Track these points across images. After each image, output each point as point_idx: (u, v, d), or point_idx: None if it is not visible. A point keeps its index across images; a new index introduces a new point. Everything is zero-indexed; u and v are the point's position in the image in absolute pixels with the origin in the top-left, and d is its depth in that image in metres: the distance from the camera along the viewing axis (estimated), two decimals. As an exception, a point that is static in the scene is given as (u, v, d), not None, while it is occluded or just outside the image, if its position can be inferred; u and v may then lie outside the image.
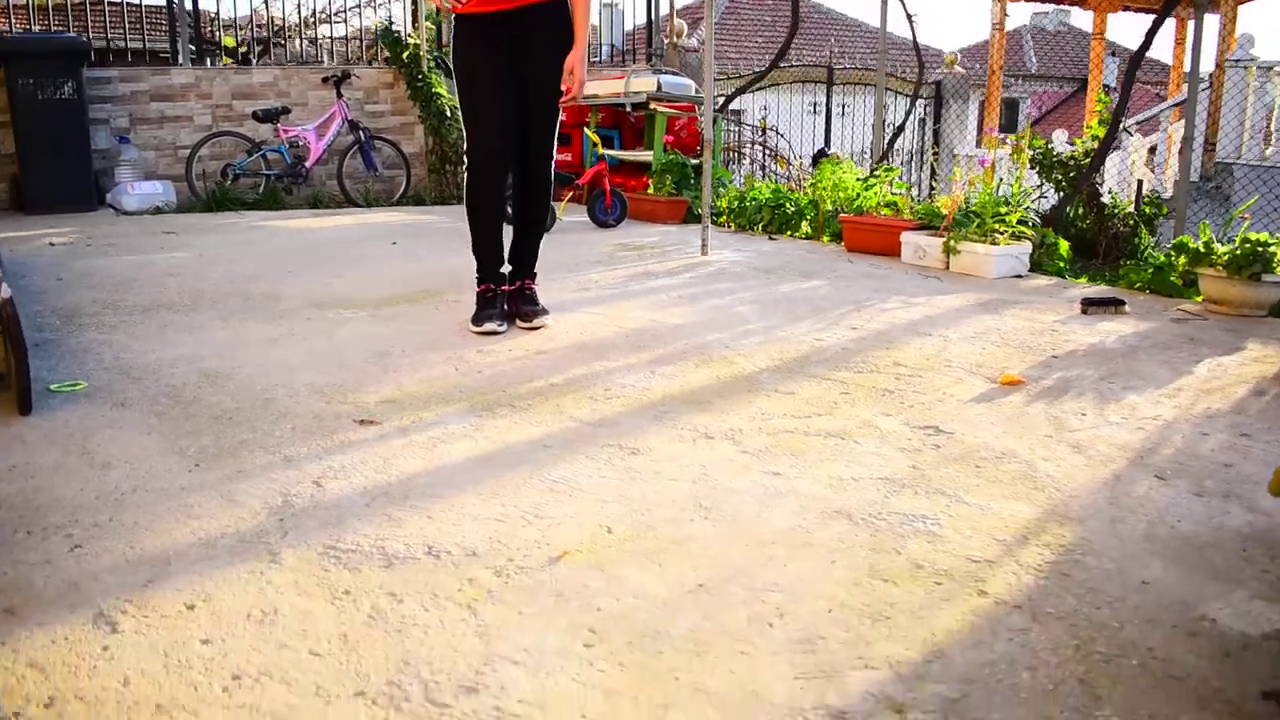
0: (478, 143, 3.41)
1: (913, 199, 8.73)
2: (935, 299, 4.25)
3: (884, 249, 5.52)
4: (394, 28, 8.27)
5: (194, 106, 7.66)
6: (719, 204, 7.02)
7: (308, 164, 7.73)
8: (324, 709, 1.30)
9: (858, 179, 6.49)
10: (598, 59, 9.66)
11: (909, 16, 8.13)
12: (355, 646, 1.45)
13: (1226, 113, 9.79)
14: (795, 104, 10.92)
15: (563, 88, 3.39)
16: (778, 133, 10.32)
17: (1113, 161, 11.30)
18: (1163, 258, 4.72)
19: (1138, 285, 4.72)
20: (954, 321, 3.76)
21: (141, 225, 6.61)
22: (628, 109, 8.21)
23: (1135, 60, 6.11)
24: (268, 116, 7.55)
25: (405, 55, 8.11)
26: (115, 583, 1.64)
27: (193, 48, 8.01)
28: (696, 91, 8.25)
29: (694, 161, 7.92)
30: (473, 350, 3.21)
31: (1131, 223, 6.36)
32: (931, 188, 11.58)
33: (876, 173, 6.68)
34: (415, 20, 8.45)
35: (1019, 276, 4.97)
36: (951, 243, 5.01)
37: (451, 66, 3.46)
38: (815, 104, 11.19)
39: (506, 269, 3.64)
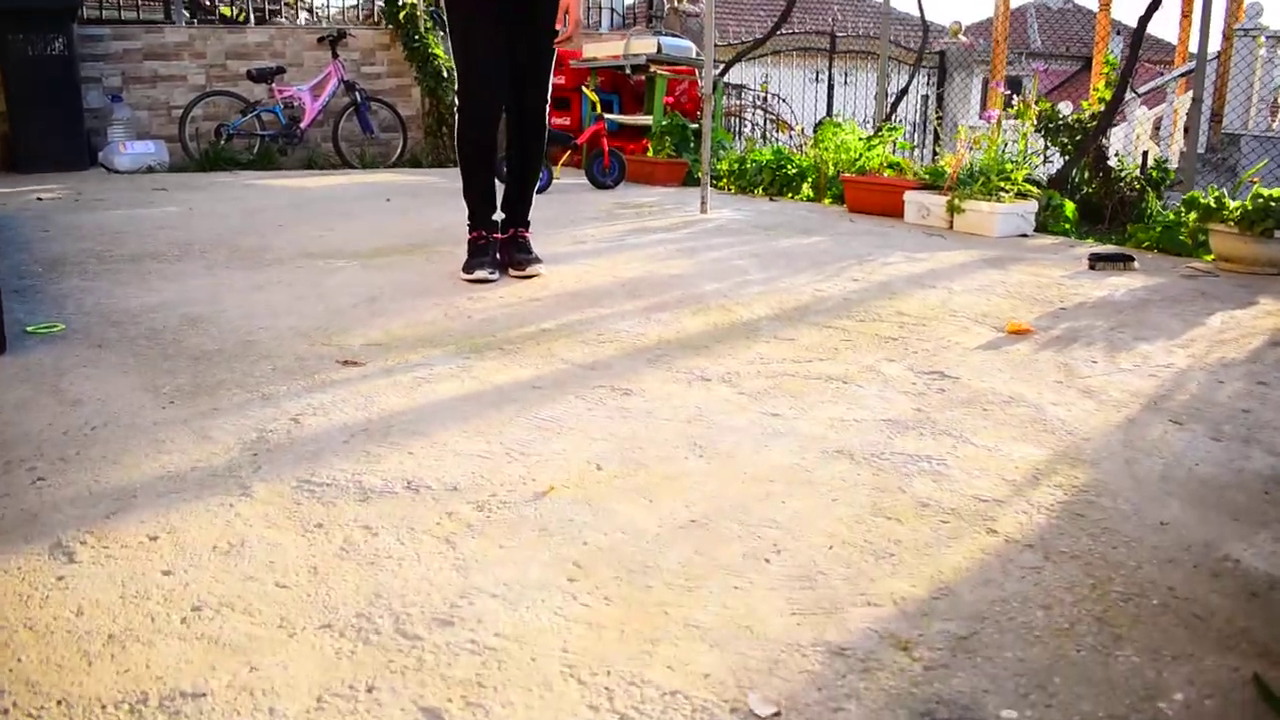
0: (471, 86, 3.31)
1: (916, 160, 8.62)
2: (939, 254, 4.15)
3: (887, 209, 5.42)
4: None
5: (188, 66, 7.53)
6: (719, 167, 6.91)
7: (303, 125, 7.60)
8: (286, 641, 1.22)
9: (860, 139, 6.37)
10: (599, 27, 9.52)
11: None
12: (325, 579, 1.36)
13: (1234, 83, 9.65)
14: (797, 76, 10.77)
15: (557, 27, 3.28)
16: (780, 98, 10.18)
17: (1118, 134, 11.16)
18: (1172, 215, 4.61)
19: (1146, 244, 4.62)
20: (958, 275, 3.66)
21: (133, 182, 6.50)
22: (627, 71, 8.08)
23: (1145, 17, 5.98)
24: (262, 76, 7.42)
25: (402, 15, 7.97)
26: (76, 515, 1.55)
27: (187, 13, 7.88)
28: (697, 54, 8.12)
29: (694, 125, 7.80)
30: (463, 297, 3.11)
31: (1138, 187, 6.25)
32: (934, 153, 11.47)
33: (880, 133, 6.56)
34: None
35: (1024, 236, 4.86)
36: (956, 201, 4.91)
37: (445, 14, 3.34)
38: (818, 72, 11.04)
39: (500, 216, 3.54)
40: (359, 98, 7.80)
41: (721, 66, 8.92)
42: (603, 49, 8.17)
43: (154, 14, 8.03)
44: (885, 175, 5.55)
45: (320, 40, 7.89)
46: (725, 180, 6.74)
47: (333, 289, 3.23)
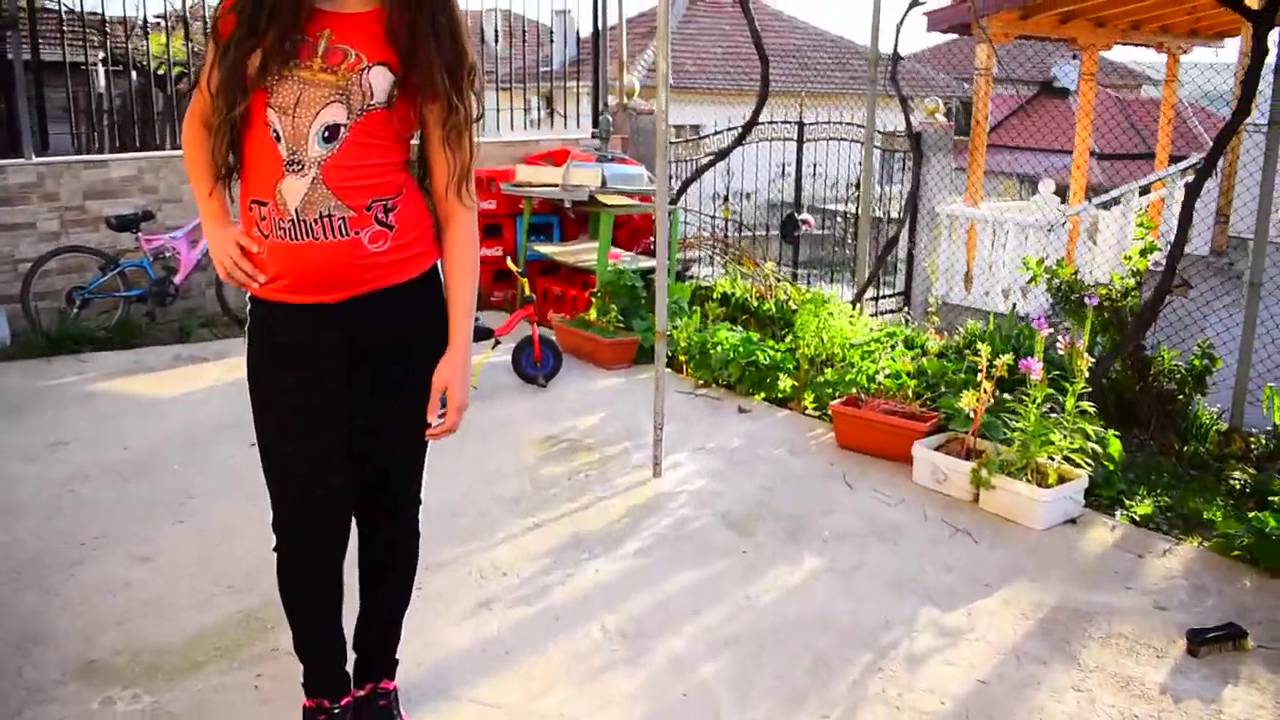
0: (288, 509, 2.14)
1: (907, 316, 7.48)
2: (978, 613, 3.04)
3: (887, 451, 4.31)
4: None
5: (37, 210, 6.23)
6: (677, 338, 5.76)
7: (178, 279, 6.34)
8: None
9: (846, 320, 5.25)
10: (537, 125, 8.33)
11: (896, 58, 6.83)
12: None
13: (1242, 181, 8.68)
14: (762, 151, 9.61)
15: (432, 419, 2.13)
16: (742, 227, 9.05)
17: (1109, 223, 10.18)
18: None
19: (1236, 553, 3.52)
20: (1013, 678, 2.54)
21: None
22: (567, 205, 6.91)
23: (1195, 185, 4.93)
24: (125, 224, 6.16)
25: None
26: None
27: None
28: (649, 181, 6.98)
29: (644, 264, 6.65)
30: None
31: (1180, 377, 5.20)
32: (910, 255, 10.41)
33: (861, 306, 5.44)
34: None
35: (1072, 522, 3.77)
36: (984, 475, 3.80)
37: (246, 372, 2.16)
38: (783, 165, 9.94)
39: (354, 660, 2.37)
40: (248, 242, 6.55)
41: (679, 185, 7.80)
42: (538, 175, 7.00)
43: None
44: (883, 408, 4.42)
45: (202, 170, 6.63)
46: (685, 364, 5.59)
47: None
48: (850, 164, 10.08)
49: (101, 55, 8.01)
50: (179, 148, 7.07)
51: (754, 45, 7.35)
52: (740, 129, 7.84)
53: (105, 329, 6.08)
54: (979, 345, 4.22)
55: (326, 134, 1.95)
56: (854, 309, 5.84)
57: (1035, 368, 3.74)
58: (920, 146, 9.89)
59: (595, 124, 8.41)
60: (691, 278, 7.57)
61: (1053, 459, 3.80)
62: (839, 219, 11.31)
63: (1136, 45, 11.85)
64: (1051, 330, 3.98)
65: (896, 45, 6.28)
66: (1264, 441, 4.70)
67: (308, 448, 2.10)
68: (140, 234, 6.26)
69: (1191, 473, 4.53)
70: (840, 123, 9.66)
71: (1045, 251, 9.60)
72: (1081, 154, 11.12)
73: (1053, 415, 3.83)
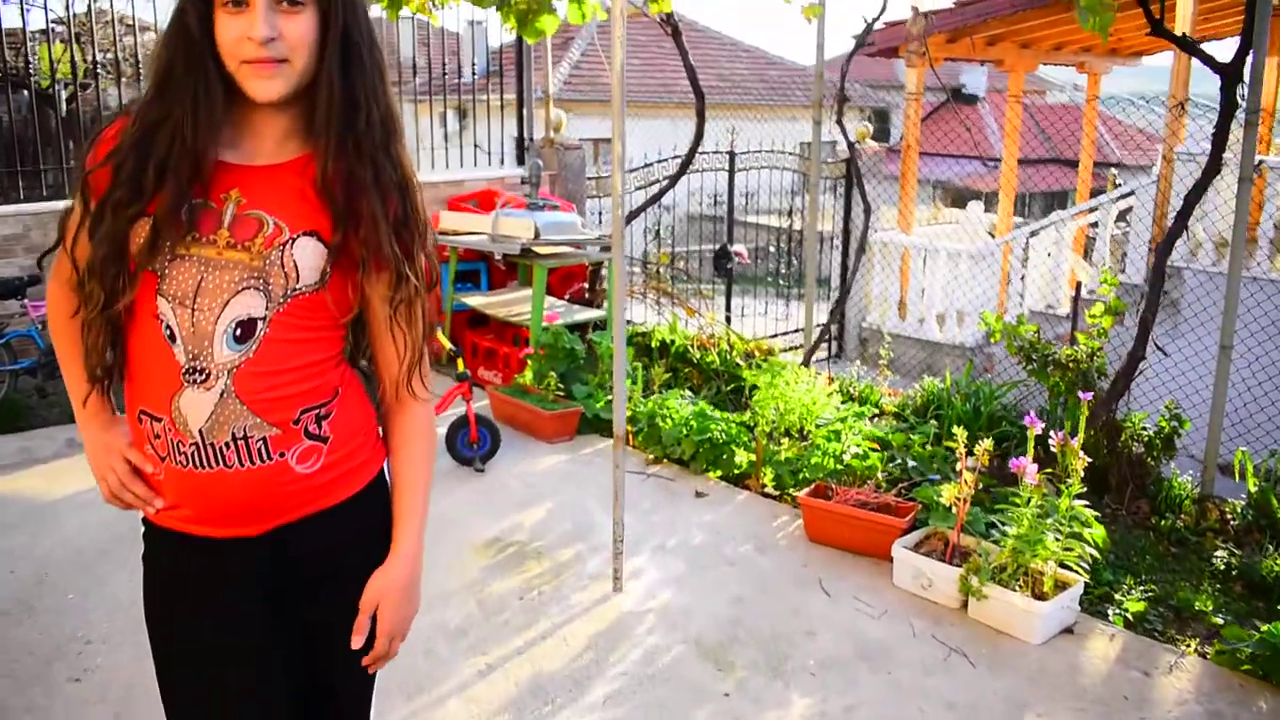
0: None
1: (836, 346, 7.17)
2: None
3: (861, 547, 4.01)
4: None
5: (-95, 274, 5.61)
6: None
7: (69, 348, 5.76)
8: None
9: (801, 387, 4.94)
10: (461, 164, 7.85)
11: (842, 99, 6.56)
12: None
13: (1175, 209, 8.61)
14: (693, 180, 9.28)
15: (356, 642, 1.67)
16: (682, 271, 8.70)
17: (1042, 244, 10.10)
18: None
19: (1246, 667, 3.29)
20: None
21: None
22: (498, 258, 6.50)
23: (1164, 247, 4.74)
24: (9, 290, 5.56)
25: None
26: None
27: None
28: (583, 227, 6.60)
29: (580, 317, 6.27)
30: None
31: (1146, 441, 5.02)
32: (843, 281, 10.18)
33: (810, 369, 5.15)
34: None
35: (1069, 630, 3.51)
36: (974, 582, 3.52)
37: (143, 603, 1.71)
38: (716, 196, 9.65)
39: None
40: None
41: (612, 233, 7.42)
42: (464, 223, 6.57)
43: None
44: (855, 498, 4.11)
45: (94, 225, 6.04)
46: (632, 437, 5.22)
47: None
48: (780, 186, 9.83)
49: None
50: (66, 195, 6.47)
51: (689, 80, 7.04)
52: (677, 168, 7.52)
53: (-11, 406, 5.48)
54: (955, 431, 3.93)
55: (239, 332, 1.50)
56: (805, 368, 5.54)
57: (1030, 471, 3.47)
58: (851, 174, 9.70)
59: (520, 160, 8.00)
60: (628, 323, 7.22)
61: (1046, 573, 3.53)
62: (772, 236, 11.07)
63: (1059, 65, 11.87)
64: (1042, 423, 3.68)
65: (843, 86, 5.98)
66: (1239, 511, 4.53)
67: (219, 696, 1.66)
68: (26, 299, 5.67)
69: (1173, 550, 4.35)
70: (772, 150, 9.38)
71: (977, 277, 9.49)
72: (1009, 180, 11.06)
73: (1046, 518, 3.56)
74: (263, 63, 1.46)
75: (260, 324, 1.51)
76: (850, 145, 5.88)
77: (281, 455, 1.56)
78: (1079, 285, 8.04)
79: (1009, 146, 10.98)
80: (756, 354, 6.31)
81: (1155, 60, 12.32)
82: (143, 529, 1.68)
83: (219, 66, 1.49)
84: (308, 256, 1.53)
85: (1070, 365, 5.04)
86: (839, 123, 5.84)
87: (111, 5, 6.92)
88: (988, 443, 3.82)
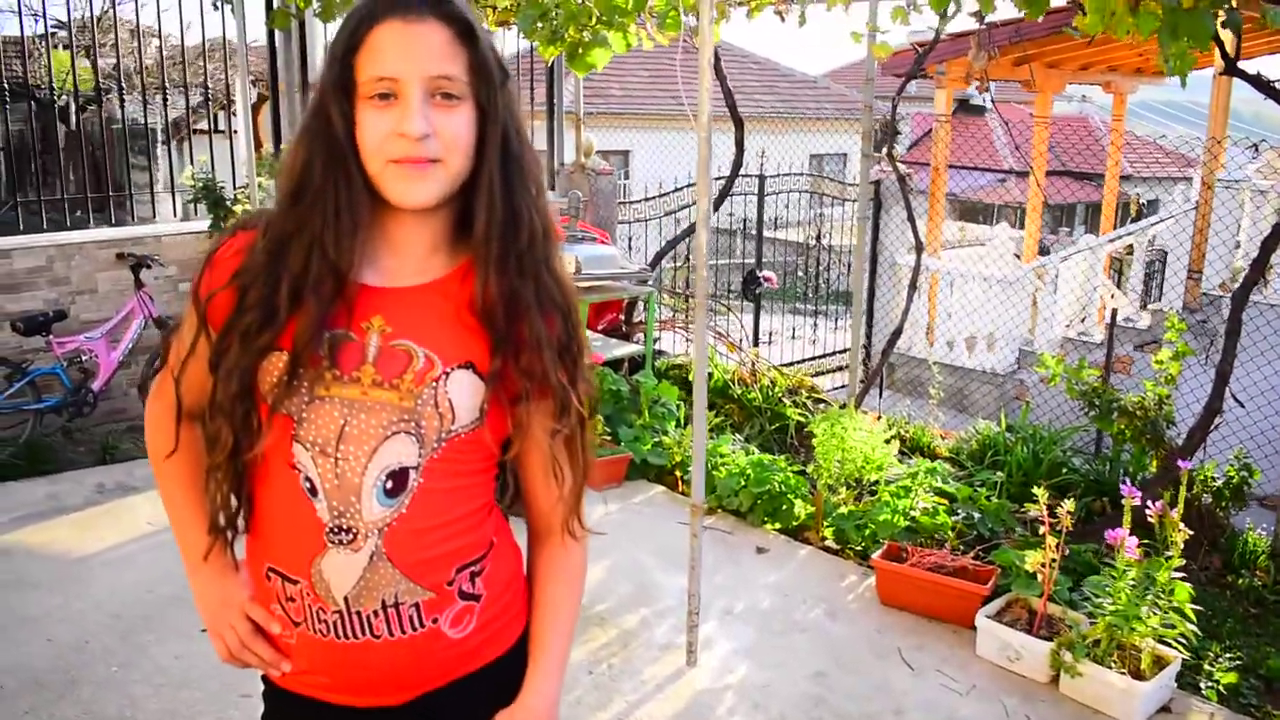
0: None
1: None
2: None
3: (938, 613, 3.84)
4: (216, 185, 6.13)
5: (-74, 310, 5.43)
6: (668, 445, 5.22)
7: (96, 385, 5.57)
8: None
9: (862, 435, 4.76)
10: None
11: (894, 132, 6.38)
12: None
13: (1214, 238, 8.48)
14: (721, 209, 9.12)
15: None
16: (722, 304, 8.50)
17: (1071, 269, 9.94)
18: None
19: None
20: None
21: None
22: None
23: (1242, 295, 4.57)
24: (34, 327, 5.38)
25: (230, 223, 5.99)
26: None
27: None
28: (622, 262, 6.44)
29: (619, 352, 6.10)
30: None
31: (1215, 492, 4.85)
32: (869, 308, 10.00)
33: (861, 410, 4.96)
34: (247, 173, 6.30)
35: (1166, 709, 3.34)
36: (1068, 658, 3.34)
37: None
38: (745, 220, 9.49)
39: None
40: (175, 337, 5.81)
41: (652, 257, 7.27)
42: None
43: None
44: (930, 561, 3.94)
45: (120, 256, 5.87)
46: (681, 481, 5.05)
47: None
48: (799, 200, 9.71)
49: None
50: (89, 222, 6.31)
51: (727, 106, 6.88)
52: (719, 194, 7.36)
53: (13, 450, 5.26)
54: (1036, 490, 3.75)
55: (389, 484, 1.31)
56: (855, 410, 5.37)
57: (1131, 545, 3.29)
58: (879, 196, 9.54)
59: (550, 185, 7.82)
60: (661, 353, 7.05)
61: (1142, 648, 3.35)
62: (790, 250, 10.92)
63: (1086, 84, 11.72)
64: (1139, 492, 3.50)
65: (894, 119, 5.81)
66: (1317, 568, 4.38)
67: None
68: (52, 336, 5.48)
69: (1253, 611, 4.20)
70: (800, 174, 9.23)
71: (1008, 303, 9.33)
72: (1035, 209, 10.93)
73: (1144, 592, 3.38)
74: (415, 162, 1.26)
75: (413, 473, 1.32)
76: (901, 179, 5.69)
77: (434, 621, 1.37)
78: (1114, 313, 7.88)
79: (1036, 169, 10.82)
80: (801, 391, 6.15)
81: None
82: (262, 687, 1.50)
83: (360, 168, 1.31)
84: (464, 392, 1.34)
85: (1138, 413, 4.87)
86: (889, 155, 5.66)
87: (138, 25, 6.72)
88: (1069, 504, 3.66)
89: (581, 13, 4.53)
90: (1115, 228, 11.23)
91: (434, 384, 1.32)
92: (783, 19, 5.05)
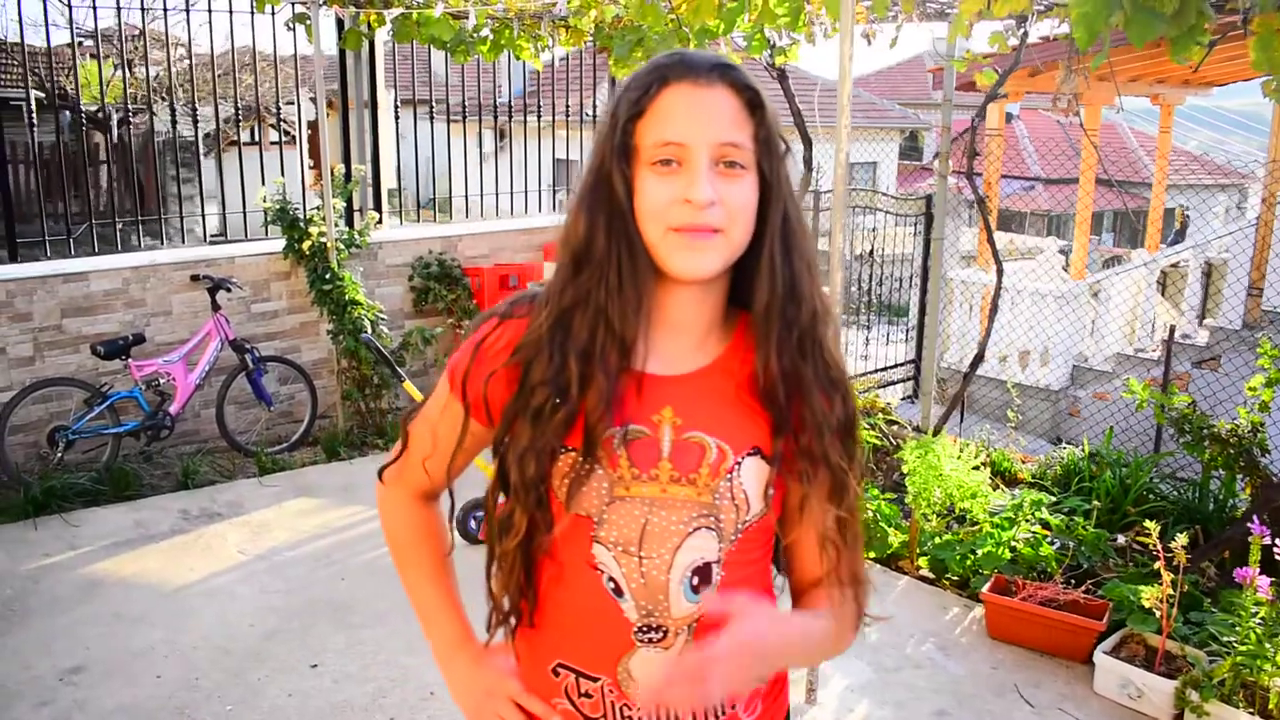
0: None
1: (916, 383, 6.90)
2: None
3: (1049, 647, 3.80)
4: (290, 206, 6.11)
5: (6, 333, 5.42)
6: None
7: (173, 409, 5.57)
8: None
9: (956, 464, 4.72)
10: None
11: (973, 154, 6.31)
12: None
13: (1278, 254, 8.39)
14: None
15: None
16: None
17: (1119, 288, 9.85)
18: None
19: None
20: None
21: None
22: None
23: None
24: (113, 351, 5.38)
25: (306, 245, 5.98)
26: None
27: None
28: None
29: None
30: None
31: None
32: (921, 322, 9.94)
33: (962, 454, 4.92)
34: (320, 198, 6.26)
35: (1299, 751, 3.29)
36: (1194, 698, 3.29)
37: None
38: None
39: None
40: (251, 360, 5.82)
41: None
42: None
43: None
44: (1041, 595, 3.89)
45: (194, 279, 5.87)
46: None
47: None
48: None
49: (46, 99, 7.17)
50: (157, 241, 6.29)
51: (796, 125, 6.83)
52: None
53: (95, 475, 5.26)
54: (1146, 524, 3.71)
55: (695, 581, 1.28)
56: (940, 436, 5.32)
57: (1264, 585, 3.24)
58: (930, 210, 9.49)
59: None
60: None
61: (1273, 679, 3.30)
62: (843, 265, 10.85)
63: (1134, 96, 11.64)
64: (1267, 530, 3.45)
65: (973, 140, 5.77)
66: None
67: None
68: (130, 359, 5.49)
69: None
70: (861, 189, 9.18)
71: (1063, 319, 9.26)
72: (1083, 229, 10.86)
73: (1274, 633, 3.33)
74: (697, 231, 1.21)
75: (715, 568, 1.29)
76: (980, 201, 5.65)
77: (733, 708, 1.36)
78: (1172, 330, 7.82)
79: (1084, 186, 10.77)
80: (875, 413, 6.10)
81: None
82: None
83: (641, 238, 1.26)
84: (754, 480, 1.29)
85: (1231, 440, 4.80)
86: (969, 176, 5.62)
87: (211, 57, 6.73)
88: (1183, 538, 3.62)
89: (676, 36, 4.51)
90: (1162, 241, 11.16)
91: (729, 475, 1.28)
92: (869, 41, 5.02)
